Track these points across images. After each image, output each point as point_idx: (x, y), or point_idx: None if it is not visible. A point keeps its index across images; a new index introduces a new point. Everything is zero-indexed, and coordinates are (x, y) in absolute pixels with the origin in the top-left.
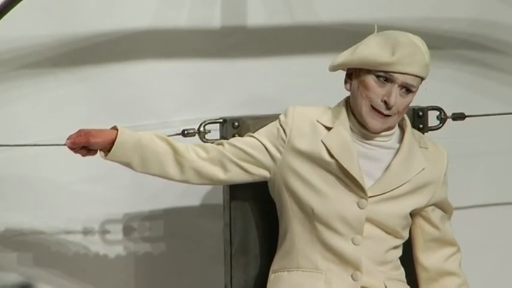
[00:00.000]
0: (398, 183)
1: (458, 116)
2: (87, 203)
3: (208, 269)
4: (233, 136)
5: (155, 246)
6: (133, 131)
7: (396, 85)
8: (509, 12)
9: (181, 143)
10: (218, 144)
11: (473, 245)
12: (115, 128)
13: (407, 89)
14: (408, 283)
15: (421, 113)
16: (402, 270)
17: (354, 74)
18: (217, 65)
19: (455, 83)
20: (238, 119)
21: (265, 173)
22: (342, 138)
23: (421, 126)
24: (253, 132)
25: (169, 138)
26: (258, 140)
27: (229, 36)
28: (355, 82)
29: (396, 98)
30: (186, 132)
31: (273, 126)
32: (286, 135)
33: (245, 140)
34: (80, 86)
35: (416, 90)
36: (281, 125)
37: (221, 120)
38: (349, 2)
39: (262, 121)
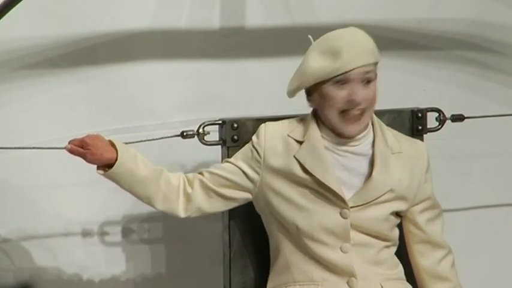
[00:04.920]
0: (380, 193)
1: (457, 118)
2: (86, 205)
3: (207, 271)
4: (232, 137)
5: (154, 248)
6: (132, 157)
7: (354, 82)
8: (508, 13)
9: (174, 175)
10: (199, 173)
11: (472, 246)
12: (115, 147)
13: (367, 80)
14: (408, 280)
15: (420, 115)
16: (400, 268)
17: (312, 90)
18: (217, 65)
19: (454, 84)
20: (237, 120)
21: (246, 195)
22: (314, 151)
23: (420, 127)
24: (252, 130)
25: (164, 171)
26: (234, 164)
27: (229, 37)
28: (316, 97)
29: (360, 93)
30: (185, 133)
31: (247, 148)
32: (260, 156)
33: (223, 166)
34: (80, 86)
35: (376, 77)
36: (254, 147)
37: (220, 122)
38: (348, 3)
39: (261, 122)
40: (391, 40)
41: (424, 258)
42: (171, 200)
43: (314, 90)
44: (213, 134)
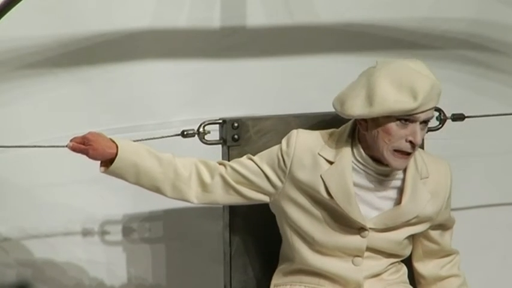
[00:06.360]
0: (404, 220)
1: (458, 117)
2: (86, 204)
3: (207, 269)
4: (233, 136)
5: (155, 247)
6: (134, 149)
7: (418, 123)
8: (509, 13)
9: (185, 162)
10: (220, 164)
11: (473, 245)
12: (116, 144)
13: (426, 122)
14: (411, 283)
15: None
16: (404, 270)
17: (370, 119)
18: (217, 65)
19: (455, 83)
20: (237, 120)
21: (263, 198)
22: (341, 177)
23: None
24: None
25: (172, 159)
26: (258, 166)
27: (229, 36)
28: (372, 126)
29: (419, 134)
30: (185, 132)
31: (274, 153)
32: (286, 166)
33: (247, 164)
34: (80, 86)
35: None
36: (282, 155)
37: (221, 121)
38: (348, 2)
39: (262, 121)
40: (391, 39)
41: (429, 263)
42: (181, 189)
43: (373, 120)
44: (214, 133)
